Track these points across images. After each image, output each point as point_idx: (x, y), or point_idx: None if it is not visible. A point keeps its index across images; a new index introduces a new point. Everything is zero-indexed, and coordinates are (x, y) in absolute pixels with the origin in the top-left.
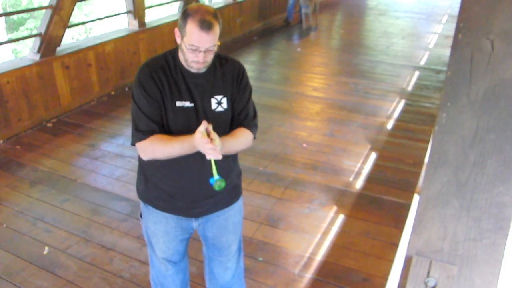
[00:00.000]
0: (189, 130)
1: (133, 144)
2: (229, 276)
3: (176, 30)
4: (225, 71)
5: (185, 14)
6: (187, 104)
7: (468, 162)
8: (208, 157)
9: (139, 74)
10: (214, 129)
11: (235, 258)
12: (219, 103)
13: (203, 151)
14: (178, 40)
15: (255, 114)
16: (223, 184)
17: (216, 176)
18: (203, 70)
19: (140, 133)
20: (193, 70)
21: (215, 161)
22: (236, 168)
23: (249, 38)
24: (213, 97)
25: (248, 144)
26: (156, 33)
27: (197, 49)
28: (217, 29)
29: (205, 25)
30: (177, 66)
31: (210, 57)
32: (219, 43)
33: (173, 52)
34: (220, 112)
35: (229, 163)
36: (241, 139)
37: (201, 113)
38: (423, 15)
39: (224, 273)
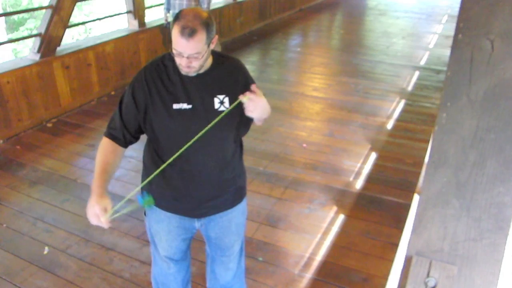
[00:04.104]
0: (187, 132)
1: None
2: (230, 276)
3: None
4: (225, 71)
5: (176, 17)
6: (185, 106)
7: (468, 162)
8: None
9: (136, 75)
10: (215, 129)
11: (237, 258)
12: (221, 102)
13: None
14: None
15: None
16: (151, 201)
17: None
18: (192, 75)
19: (107, 129)
20: (183, 73)
21: None
22: (242, 169)
23: (249, 38)
24: (215, 96)
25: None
26: (156, 33)
27: (179, 54)
28: (201, 37)
29: (186, 33)
30: (175, 67)
31: (196, 63)
32: (208, 47)
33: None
34: (222, 111)
35: (236, 164)
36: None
37: (201, 114)
38: (423, 15)
39: (225, 273)
